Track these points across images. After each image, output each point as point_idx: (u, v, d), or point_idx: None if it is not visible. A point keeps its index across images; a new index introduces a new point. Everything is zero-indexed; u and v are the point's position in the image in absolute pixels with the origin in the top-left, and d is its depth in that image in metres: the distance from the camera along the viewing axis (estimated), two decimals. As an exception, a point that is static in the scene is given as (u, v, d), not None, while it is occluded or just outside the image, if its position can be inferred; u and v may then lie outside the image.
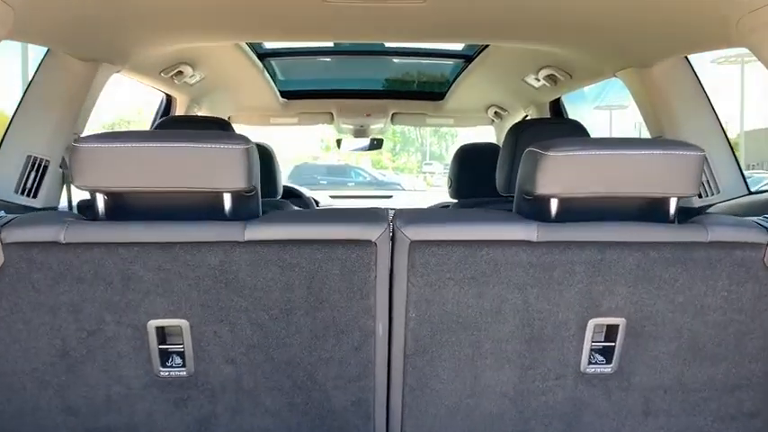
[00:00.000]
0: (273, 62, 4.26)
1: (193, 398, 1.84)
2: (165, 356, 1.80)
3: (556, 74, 3.62)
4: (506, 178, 2.85)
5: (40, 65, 2.63)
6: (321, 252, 1.74)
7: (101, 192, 1.74)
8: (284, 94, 4.66)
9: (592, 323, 1.81)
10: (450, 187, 3.64)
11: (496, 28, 2.80)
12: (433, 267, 1.75)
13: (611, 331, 1.83)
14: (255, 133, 5.84)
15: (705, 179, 2.70)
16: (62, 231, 1.67)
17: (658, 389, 1.88)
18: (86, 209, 1.82)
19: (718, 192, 2.72)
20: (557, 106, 4.30)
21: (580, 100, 5.04)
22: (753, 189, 2.80)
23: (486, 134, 5.51)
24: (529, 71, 3.80)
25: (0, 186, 2.51)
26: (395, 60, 4.50)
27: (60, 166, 2.65)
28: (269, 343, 1.79)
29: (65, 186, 2.72)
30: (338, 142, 5.51)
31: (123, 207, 1.77)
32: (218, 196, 1.74)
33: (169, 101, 4.13)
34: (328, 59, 4.47)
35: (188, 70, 3.57)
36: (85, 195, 1.87)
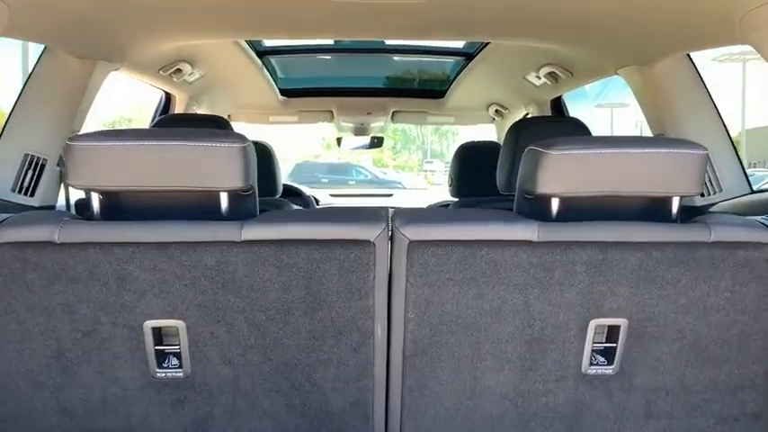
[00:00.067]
0: (273, 60, 4.25)
1: (190, 399, 1.82)
2: (161, 357, 1.78)
3: (557, 72, 3.60)
4: (507, 177, 2.83)
5: (37, 63, 2.62)
6: (319, 252, 1.72)
7: (96, 191, 1.72)
8: (284, 92, 4.65)
9: (593, 324, 1.79)
10: (450, 186, 3.63)
11: (497, 25, 2.78)
12: (432, 268, 1.73)
13: (612, 332, 1.81)
14: (256, 132, 5.85)
15: (707, 178, 2.68)
16: (56, 231, 1.65)
17: (660, 390, 1.86)
18: (84, 207, 1.81)
19: (721, 190, 2.70)
20: (558, 104, 4.28)
21: (581, 98, 5.02)
22: (755, 187, 2.78)
23: (487, 132, 5.50)
24: (530, 69, 3.78)
25: None
26: (395, 58, 4.48)
27: (58, 165, 2.63)
28: (266, 344, 1.77)
29: (62, 185, 2.71)
30: (338, 140, 5.50)
31: (119, 206, 1.76)
32: (214, 195, 1.72)
33: (168, 99, 4.11)
34: (328, 57, 4.46)
35: (187, 68, 3.55)
36: (84, 194, 1.86)
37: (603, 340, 1.83)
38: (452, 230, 1.75)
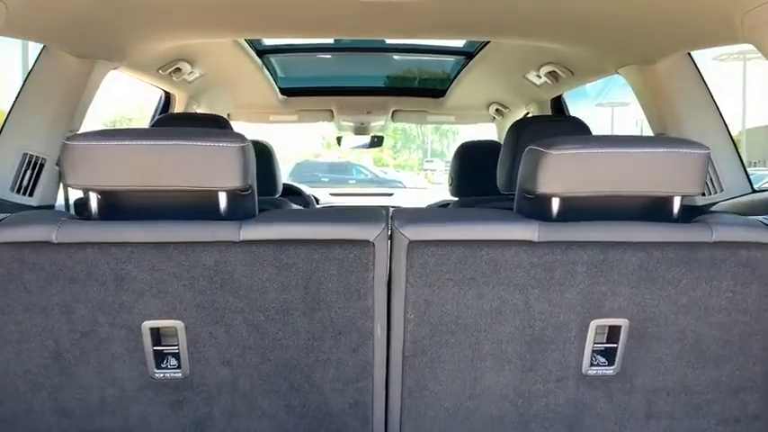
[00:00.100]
0: (273, 59, 4.24)
1: (189, 400, 1.81)
2: (159, 358, 1.78)
3: (557, 71, 3.59)
4: (507, 176, 2.82)
5: (35, 61, 2.61)
6: (318, 252, 1.71)
7: (94, 191, 1.71)
8: (284, 92, 4.64)
9: (594, 324, 1.78)
10: (450, 185, 3.62)
11: (498, 24, 2.77)
12: (432, 268, 1.73)
13: (613, 332, 1.80)
14: (256, 131, 5.85)
15: (708, 177, 2.67)
16: (54, 231, 1.64)
17: (661, 391, 1.85)
18: (83, 207, 1.80)
19: (722, 190, 2.69)
20: (558, 103, 4.27)
21: (582, 97, 5.01)
22: (755, 186, 2.77)
23: (488, 131, 5.49)
24: (530, 68, 3.77)
25: None
26: (395, 57, 4.47)
27: (57, 164, 2.63)
28: (265, 344, 1.76)
29: (62, 184, 2.70)
30: (338, 140, 5.50)
31: (117, 206, 1.75)
32: (213, 195, 1.71)
33: (168, 98, 4.10)
34: (328, 56, 4.45)
35: (186, 67, 3.55)
36: (82, 194, 1.85)
37: (604, 341, 1.82)
38: (452, 230, 1.74)
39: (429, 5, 2.36)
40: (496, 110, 4.87)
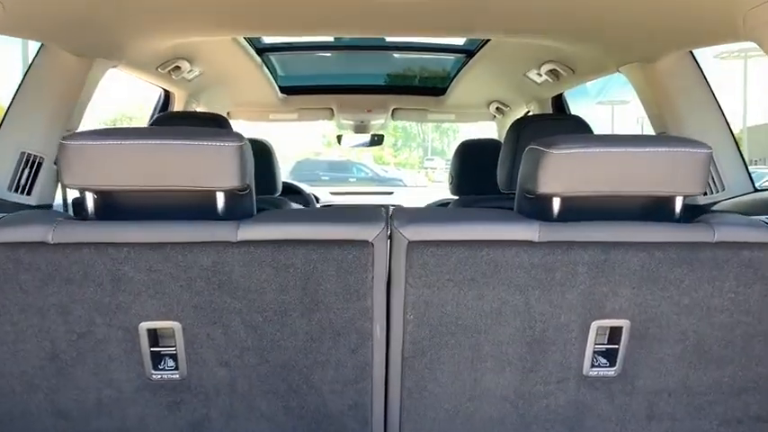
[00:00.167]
0: (272, 57, 4.22)
1: (186, 401, 1.80)
2: (157, 359, 1.76)
3: (558, 69, 3.57)
4: (508, 175, 2.81)
5: (33, 60, 2.59)
6: (317, 252, 1.70)
7: (90, 190, 1.70)
8: (284, 90, 4.62)
9: (595, 325, 1.76)
10: (451, 183, 3.61)
11: (498, 22, 2.76)
12: (431, 268, 1.71)
13: (614, 333, 1.79)
14: (256, 129, 5.83)
15: (710, 176, 2.66)
16: (50, 231, 1.63)
17: (663, 392, 1.84)
18: (81, 207, 1.79)
19: (723, 189, 2.68)
20: (559, 102, 4.25)
21: (582, 95, 4.99)
22: (756, 185, 2.76)
23: (489, 129, 5.47)
24: (531, 66, 3.75)
25: None
26: (395, 55, 4.46)
27: (55, 163, 2.61)
28: (263, 345, 1.75)
29: (60, 184, 2.69)
30: (338, 138, 5.48)
31: (113, 206, 1.73)
32: (210, 195, 1.70)
33: (167, 96, 4.09)
34: (328, 54, 4.43)
35: (185, 65, 3.53)
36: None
37: (605, 342, 1.81)
38: (452, 230, 1.73)
39: (429, 3, 2.34)
40: (497, 108, 4.86)
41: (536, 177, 1.69)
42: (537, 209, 1.76)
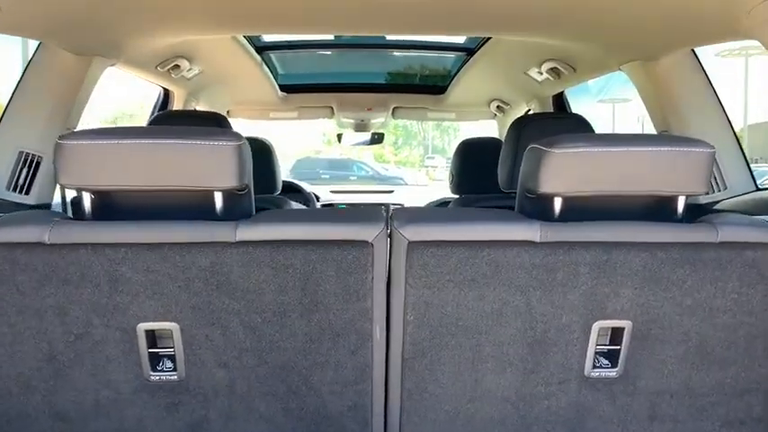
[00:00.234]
0: (272, 55, 4.21)
1: (185, 403, 1.79)
2: (155, 360, 1.75)
3: (559, 67, 3.56)
4: (508, 174, 2.79)
5: (32, 58, 2.58)
6: (316, 253, 1.68)
7: (87, 190, 1.69)
8: (284, 88, 4.61)
9: (596, 326, 1.75)
10: (451, 182, 3.59)
11: (499, 20, 2.74)
12: (432, 269, 1.70)
13: (616, 334, 1.78)
14: (256, 128, 5.82)
15: (712, 175, 2.64)
16: (47, 232, 1.62)
17: (665, 393, 1.82)
18: (79, 206, 1.78)
19: (725, 188, 2.66)
20: (560, 100, 4.24)
21: (583, 93, 4.98)
22: (758, 183, 2.75)
23: (489, 127, 5.46)
24: (532, 64, 3.74)
25: None
26: (396, 53, 4.44)
27: (53, 162, 2.60)
28: (262, 346, 1.74)
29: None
30: (339, 137, 5.47)
31: (111, 206, 1.72)
32: (208, 195, 1.68)
33: (167, 95, 4.07)
34: (328, 53, 4.42)
35: (185, 64, 3.52)
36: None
37: (607, 342, 1.79)
38: (452, 231, 1.71)
39: (430, 2, 2.33)
40: (497, 107, 4.84)
41: (537, 177, 1.68)
42: (538, 209, 1.74)
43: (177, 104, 4.10)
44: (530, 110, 4.50)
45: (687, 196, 1.76)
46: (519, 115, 4.39)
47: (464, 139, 3.67)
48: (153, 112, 4.14)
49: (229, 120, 3.38)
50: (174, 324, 1.71)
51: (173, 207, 1.70)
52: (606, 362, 1.80)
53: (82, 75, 2.63)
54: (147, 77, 3.61)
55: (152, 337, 1.73)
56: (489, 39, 3.61)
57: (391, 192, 5.83)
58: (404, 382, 1.80)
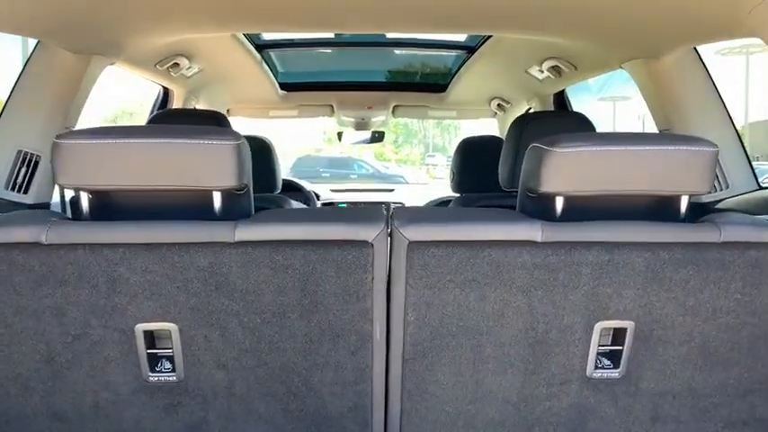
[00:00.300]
0: (272, 54, 4.19)
1: (184, 404, 1.78)
2: (153, 361, 1.74)
3: (560, 65, 3.55)
4: (509, 172, 2.78)
5: (30, 57, 2.57)
6: (315, 253, 1.67)
7: (84, 190, 1.68)
8: (284, 87, 4.59)
9: (598, 326, 1.74)
10: (452, 181, 3.58)
11: (500, 18, 2.73)
12: (432, 269, 1.68)
13: (618, 335, 1.76)
14: (257, 126, 5.81)
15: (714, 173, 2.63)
16: (44, 232, 1.60)
17: (667, 394, 1.81)
18: (77, 206, 1.76)
19: (728, 187, 2.65)
20: (561, 98, 4.23)
21: (584, 91, 4.97)
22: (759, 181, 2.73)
23: (490, 126, 5.45)
24: (533, 63, 3.73)
25: None
26: (396, 52, 4.43)
27: (51, 162, 2.59)
28: (261, 347, 1.72)
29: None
30: (339, 135, 5.45)
31: (109, 206, 1.71)
32: (207, 195, 1.67)
33: (166, 94, 4.06)
34: (329, 51, 4.40)
35: (184, 62, 3.51)
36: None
37: (609, 343, 1.78)
38: (453, 231, 1.70)
39: (430, 0, 2.32)
40: (498, 105, 4.83)
41: (539, 176, 1.67)
42: (539, 208, 1.73)
43: (177, 103, 4.09)
44: (530, 108, 4.48)
45: (690, 196, 1.74)
46: (520, 113, 4.37)
47: (465, 137, 3.66)
48: (152, 111, 4.13)
49: (229, 118, 3.37)
50: (172, 325, 1.69)
51: (171, 207, 1.69)
52: (608, 362, 1.79)
53: (81, 73, 2.62)
54: (147, 76, 3.60)
55: (150, 338, 1.72)
56: (490, 37, 3.60)
57: (392, 190, 5.82)
58: (404, 382, 1.78)
